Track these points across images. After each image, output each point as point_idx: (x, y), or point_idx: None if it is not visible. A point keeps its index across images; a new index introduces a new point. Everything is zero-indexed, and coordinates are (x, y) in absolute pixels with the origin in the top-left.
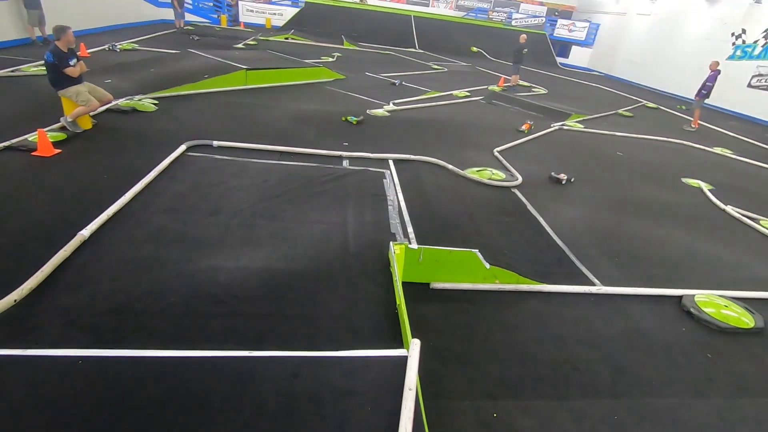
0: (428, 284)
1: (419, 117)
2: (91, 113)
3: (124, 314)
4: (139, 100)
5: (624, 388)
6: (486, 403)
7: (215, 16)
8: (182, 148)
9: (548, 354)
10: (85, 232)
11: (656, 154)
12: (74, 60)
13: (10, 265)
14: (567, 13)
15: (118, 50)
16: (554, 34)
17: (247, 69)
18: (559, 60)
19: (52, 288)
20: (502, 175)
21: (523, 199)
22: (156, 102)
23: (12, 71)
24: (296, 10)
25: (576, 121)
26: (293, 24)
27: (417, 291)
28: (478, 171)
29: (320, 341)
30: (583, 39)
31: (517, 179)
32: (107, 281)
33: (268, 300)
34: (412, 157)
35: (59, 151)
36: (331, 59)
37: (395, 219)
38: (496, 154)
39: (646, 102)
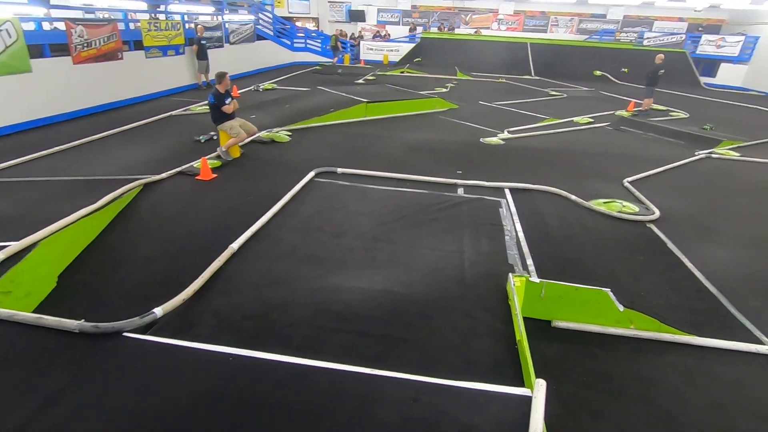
0: (549, 322)
1: (537, 145)
2: (240, 144)
3: (262, 321)
4: (276, 132)
5: None
6: None
7: (339, 56)
8: (311, 174)
9: (702, 420)
10: (235, 246)
11: None
12: (229, 99)
13: (178, 270)
14: (714, 28)
15: (261, 90)
16: (697, 52)
17: (367, 102)
18: (704, 80)
19: (208, 292)
20: (634, 207)
21: (662, 236)
22: (290, 133)
23: (185, 110)
24: (412, 45)
25: (729, 149)
26: (409, 58)
27: (537, 328)
28: (605, 203)
29: (436, 369)
30: (735, 55)
31: (653, 213)
32: (250, 290)
33: (386, 321)
34: (531, 186)
35: (216, 175)
36: (444, 90)
37: (513, 250)
38: (627, 184)
39: None
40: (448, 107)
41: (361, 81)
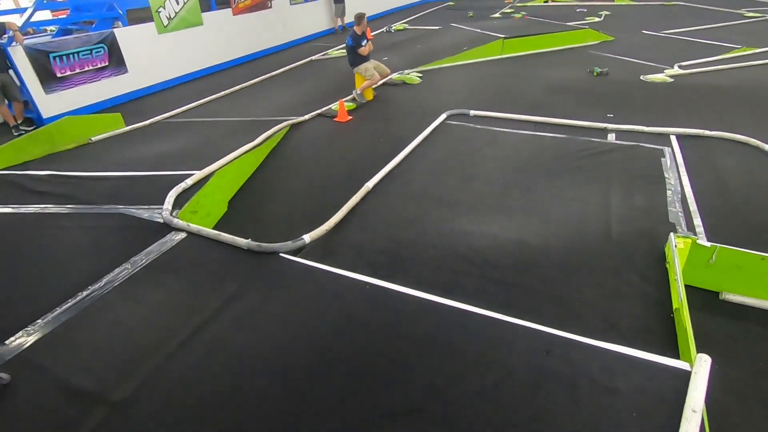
0: (717, 293)
1: (718, 83)
2: (374, 86)
3: (393, 256)
4: (408, 74)
5: None
6: None
7: None
8: (443, 116)
9: None
10: (370, 184)
11: None
12: (365, 41)
13: (320, 202)
14: None
15: (393, 31)
16: None
17: (504, 38)
18: None
19: (346, 225)
20: None
21: None
22: (420, 75)
23: (323, 55)
24: None
25: None
26: None
27: (700, 298)
28: None
29: (571, 325)
30: None
31: None
32: (383, 227)
33: (518, 270)
34: (706, 132)
35: (351, 117)
36: (597, 19)
37: (676, 207)
38: None
39: None
40: (601, 39)
41: (497, 15)
